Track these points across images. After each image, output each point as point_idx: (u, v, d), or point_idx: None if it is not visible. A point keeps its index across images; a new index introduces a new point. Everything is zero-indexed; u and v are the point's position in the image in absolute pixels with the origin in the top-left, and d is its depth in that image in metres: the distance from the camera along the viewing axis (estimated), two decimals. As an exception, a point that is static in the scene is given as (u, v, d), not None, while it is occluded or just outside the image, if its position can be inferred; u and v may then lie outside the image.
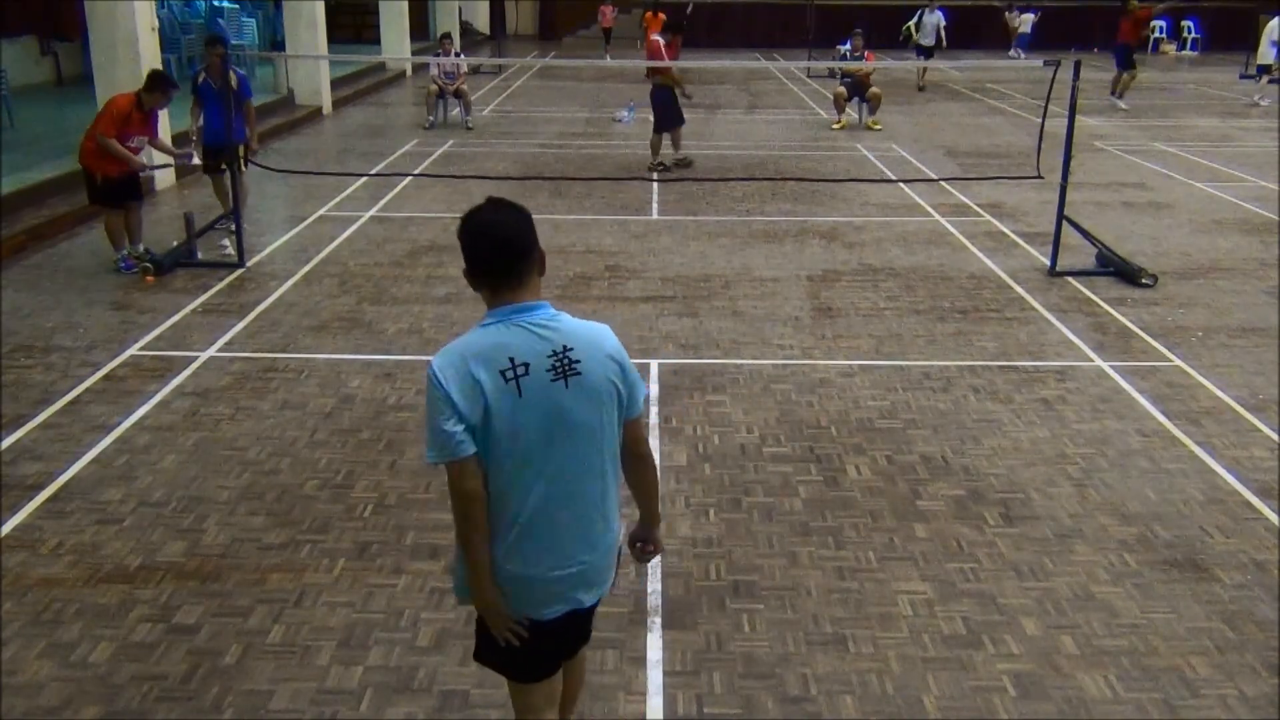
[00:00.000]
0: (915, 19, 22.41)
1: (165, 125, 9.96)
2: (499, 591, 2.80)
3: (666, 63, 12.88)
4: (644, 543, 3.14)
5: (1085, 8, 32.09)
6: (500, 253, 2.72)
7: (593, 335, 2.78)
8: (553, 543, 2.78)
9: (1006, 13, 30.67)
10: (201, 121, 10.22)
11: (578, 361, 2.71)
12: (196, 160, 9.71)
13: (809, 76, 24.75)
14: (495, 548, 2.78)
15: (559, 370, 2.69)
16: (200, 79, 9.95)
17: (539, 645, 2.90)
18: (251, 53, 18.53)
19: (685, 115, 13.39)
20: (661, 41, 13.00)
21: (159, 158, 9.86)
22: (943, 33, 22.28)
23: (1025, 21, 30.68)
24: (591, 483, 2.80)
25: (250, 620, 4.25)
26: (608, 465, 2.83)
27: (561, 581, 2.82)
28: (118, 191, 8.77)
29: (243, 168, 9.68)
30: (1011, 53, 29.92)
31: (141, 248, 8.96)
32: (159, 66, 11.81)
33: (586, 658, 3.47)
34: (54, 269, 8.92)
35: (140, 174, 9.06)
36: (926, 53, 22.01)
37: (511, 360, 2.66)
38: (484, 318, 2.76)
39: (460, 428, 2.64)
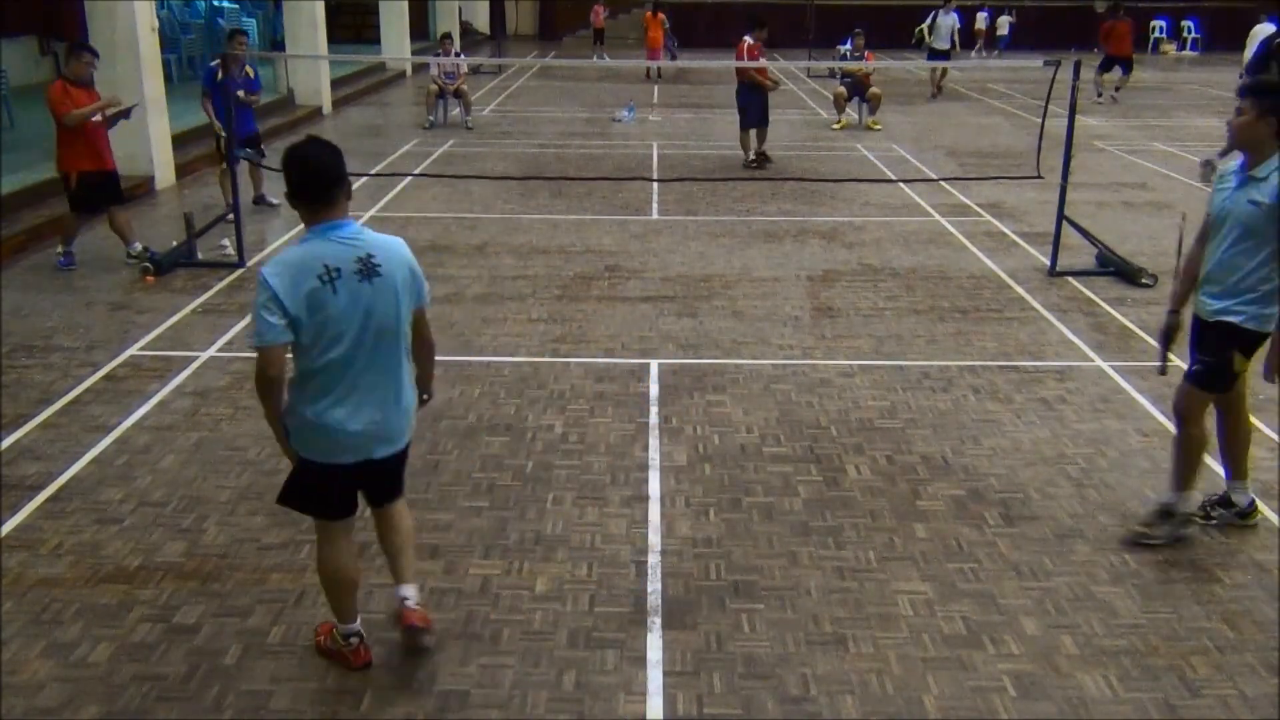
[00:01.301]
0: (929, 20, 21.29)
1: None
2: (287, 440, 3.68)
3: (759, 63, 13.20)
4: (421, 393, 3.96)
5: (1086, 7, 32.06)
6: (318, 180, 3.48)
7: (391, 245, 3.61)
8: (358, 406, 3.57)
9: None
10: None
11: (379, 265, 3.51)
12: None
13: (809, 76, 24.75)
14: (314, 409, 3.55)
15: (364, 273, 3.48)
16: (219, 76, 9.96)
17: (337, 485, 3.73)
18: (252, 52, 18.49)
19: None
20: (749, 41, 13.13)
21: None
22: (956, 36, 21.71)
23: (1002, 24, 30.64)
24: (390, 359, 3.62)
25: (250, 620, 4.25)
26: (402, 346, 3.66)
27: (362, 435, 3.61)
28: (95, 195, 8.70)
29: (259, 159, 9.86)
30: (977, 53, 29.71)
31: (140, 247, 8.95)
32: (158, 66, 11.86)
33: (408, 516, 4.06)
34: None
35: (121, 119, 9.00)
36: (941, 56, 21.08)
37: (326, 266, 3.42)
38: (304, 234, 3.50)
39: (283, 321, 3.40)
